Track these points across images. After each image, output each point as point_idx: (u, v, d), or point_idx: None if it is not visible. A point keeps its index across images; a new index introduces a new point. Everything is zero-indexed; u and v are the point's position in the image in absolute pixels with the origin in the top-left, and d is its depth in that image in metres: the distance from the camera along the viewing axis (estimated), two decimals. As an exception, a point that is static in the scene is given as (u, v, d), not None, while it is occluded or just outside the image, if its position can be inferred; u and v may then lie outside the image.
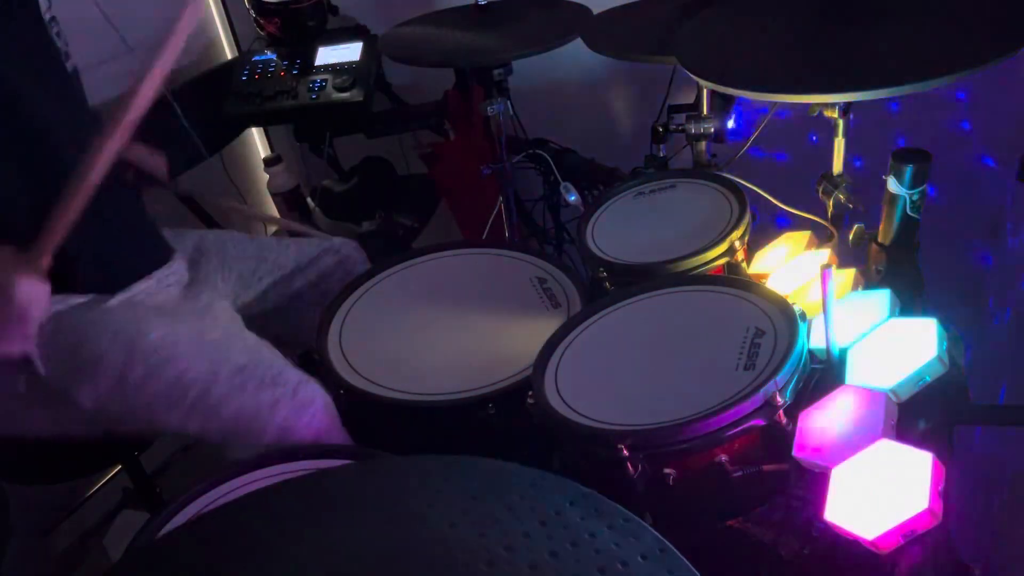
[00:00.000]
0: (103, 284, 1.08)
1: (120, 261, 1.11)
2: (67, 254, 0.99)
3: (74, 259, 1.02)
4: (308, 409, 1.02)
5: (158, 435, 1.26)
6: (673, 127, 1.52)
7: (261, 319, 1.31)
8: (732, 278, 1.06)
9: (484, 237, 1.80)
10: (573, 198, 1.61)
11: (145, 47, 1.17)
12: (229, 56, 2.23)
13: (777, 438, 0.85)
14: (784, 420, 0.84)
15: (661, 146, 1.56)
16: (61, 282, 1.02)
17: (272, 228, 2.12)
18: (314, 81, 1.82)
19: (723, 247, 1.11)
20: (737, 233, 1.12)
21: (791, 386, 0.86)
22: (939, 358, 0.83)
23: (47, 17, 1.01)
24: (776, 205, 1.33)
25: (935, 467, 0.72)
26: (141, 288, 1.11)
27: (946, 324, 0.88)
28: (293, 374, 1.05)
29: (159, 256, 1.17)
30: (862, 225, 1.19)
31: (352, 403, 1.05)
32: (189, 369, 1.01)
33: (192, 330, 1.07)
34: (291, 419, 1.00)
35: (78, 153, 0.97)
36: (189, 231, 1.32)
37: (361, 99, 1.77)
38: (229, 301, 1.24)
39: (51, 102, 0.99)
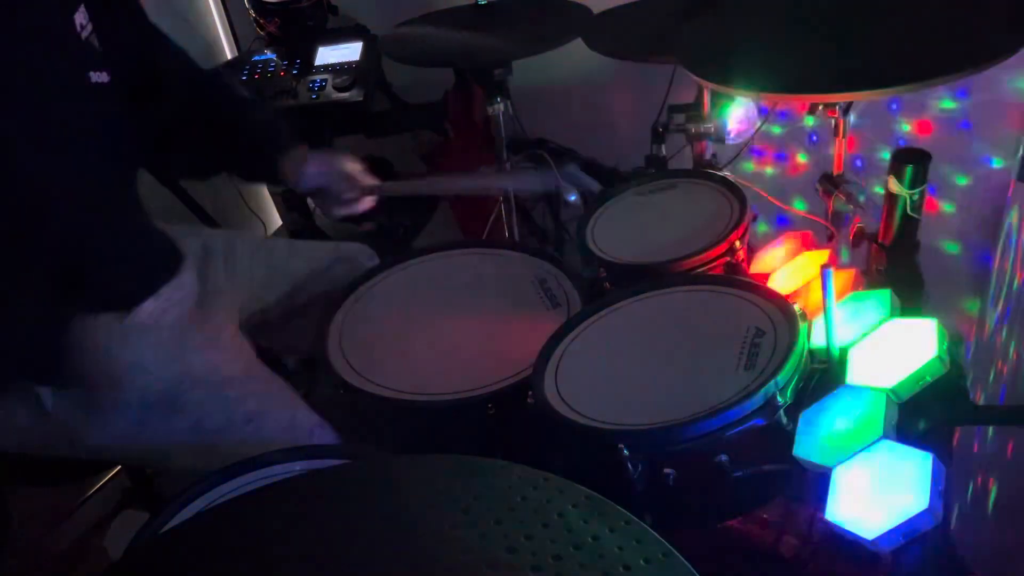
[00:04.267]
0: (111, 302, 1.04)
1: (128, 275, 1.06)
2: (73, 269, 0.97)
3: (81, 274, 0.97)
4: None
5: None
6: (673, 127, 1.52)
7: (265, 328, 1.30)
8: (732, 278, 1.06)
9: (484, 237, 1.80)
10: (573, 198, 1.61)
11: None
12: (229, 56, 2.23)
13: (777, 438, 0.85)
14: (784, 420, 0.84)
15: (661, 146, 1.57)
16: (67, 301, 0.99)
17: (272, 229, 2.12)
18: (314, 81, 1.82)
19: (723, 247, 1.11)
20: (737, 233, 1.12)
21: (791, 386, 0.86)
22: (939, 358, 0.83)
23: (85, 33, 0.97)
24: (776, 205, 1.33)
25: (935, 467, 0.72)
26: (150, 310, 1.06)
27: (946, 324, 0.88)
28: (306, 418, 1.05)
29: (168, 268, 1.12)
30: (862, 225, 1.19)
31: (352, 403, 1.05)
32: (205, 417, 1.01)
33: (206, 367, 1.05)
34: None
35: (103, 161, 0.97)
36: (197, 230, 1.30)
37: (361, 99, 1.77)
38: (236, 316, 1.23)
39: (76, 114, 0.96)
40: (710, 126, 1.46)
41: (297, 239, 1.70)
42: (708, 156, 1.52)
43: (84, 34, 0.96)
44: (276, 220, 2.26)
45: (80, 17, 0.96)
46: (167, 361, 1.03)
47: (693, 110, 1.48)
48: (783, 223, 1.80)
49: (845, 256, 1.41)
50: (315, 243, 1.40)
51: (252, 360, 1.14)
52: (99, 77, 0.98)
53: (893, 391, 0.83)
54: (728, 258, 1.12)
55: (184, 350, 1.05)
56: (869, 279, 1.15)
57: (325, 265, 1.34)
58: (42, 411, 1.00)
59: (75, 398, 1.00)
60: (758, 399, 0.83)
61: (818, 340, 0.92)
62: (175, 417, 1.01)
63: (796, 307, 0.94)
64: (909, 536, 0.71)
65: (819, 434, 0.82)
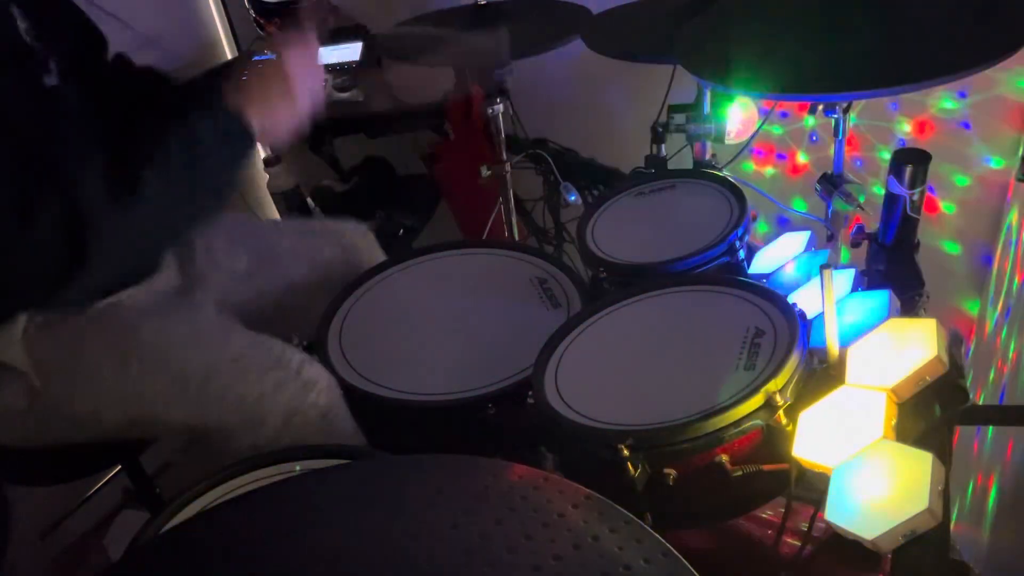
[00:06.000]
0: (91, 296, 1.04)
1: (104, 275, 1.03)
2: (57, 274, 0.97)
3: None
4: (313, 389, 1.01)
5: (159, 437, 1.24)
6: (673, 127, 1.52)
7: (261, 318, 1.29)
8: (732, 278, 1.06)
9: (484, 237, 1.80)
10: (573, 198, 1.61)
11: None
12: (229, 56, 2.23)
13: (777, 438, 0.85)
14: (784, 420, 0.84)
15: (661, 146, 1.57)
16: (47, 299, 0.99)
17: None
18: (314, 81, 1.82)
19: (723, 247, 1.11)
20: (737, 233, 1.12)
21: (791, 386, 0.86)
22: (939, 358, 0.83)
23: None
24: (776, 205, 1.33)
25: (935, 467, 0.72)
26: (128, 294, 1.07)
27: (946, 324, 0.88)
28: (295, 355, 1.03)
29: (147, 267, 1.12)
30: (862, 225, 1.19)
31: (352, 403, 1.05)
32: (187, 362, 1.00)
33: (185, 324, 1.05)
34: (296, 399, 0.99)
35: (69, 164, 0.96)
36: None
37: (361, 99, 1.77)
38: (221, 299, 1.22)
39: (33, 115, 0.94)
40: (710, 126, 1.46)
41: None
42: (708, 156, 1.52)
43: (29, 38, 0.95)
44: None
45: (20, 21, 0.95)
46: (144, 321, 1.03)
47: (693, 110, 1.49)
48: (783, 223, 1.80)
49: (845, 256, 1.41)
50: (300, 222, 1.36)
51: (235, 327, 1.13)
52: (51, 80, 0.97)
53: (893, 391, 0.83)
54: (728, 258, 1.12)
55: (163, 316, 1.05)
56: (869, 279, 1.15)
57: (313, 246, 1.32)
58: (33, 391, 1.00)
59: (60, 373, 1.00)
60: (758, 399, 0.83)
61: (818, 340, 0.92)
62: (156, 368, 1.00)
63: (796, 307, 0.94)
64: (909, 536, 0.71)
65: (819, 435, 0.82)
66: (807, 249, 1.17)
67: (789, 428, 0.84)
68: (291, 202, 2.05)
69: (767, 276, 1.13)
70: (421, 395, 1.02)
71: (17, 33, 0.94)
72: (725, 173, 1.31)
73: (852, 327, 0.94)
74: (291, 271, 1.29)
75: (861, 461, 0.76)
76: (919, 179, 1.06)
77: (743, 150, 1.53)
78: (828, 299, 0.85)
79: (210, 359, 1.01)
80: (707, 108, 1.46)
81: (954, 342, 0.87)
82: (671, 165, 1.59)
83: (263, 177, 2.08)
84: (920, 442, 0.76)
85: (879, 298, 0.97)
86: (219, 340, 1.04)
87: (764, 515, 1.05)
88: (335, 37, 1.92)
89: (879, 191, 1.13)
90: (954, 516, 0.78)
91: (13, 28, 0.93)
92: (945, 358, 0.83)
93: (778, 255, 1.18)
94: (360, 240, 1.37)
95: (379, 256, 1.38)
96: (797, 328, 0.90)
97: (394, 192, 2.08)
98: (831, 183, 1.23)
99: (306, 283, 1.30)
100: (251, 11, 1.92)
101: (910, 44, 1.01)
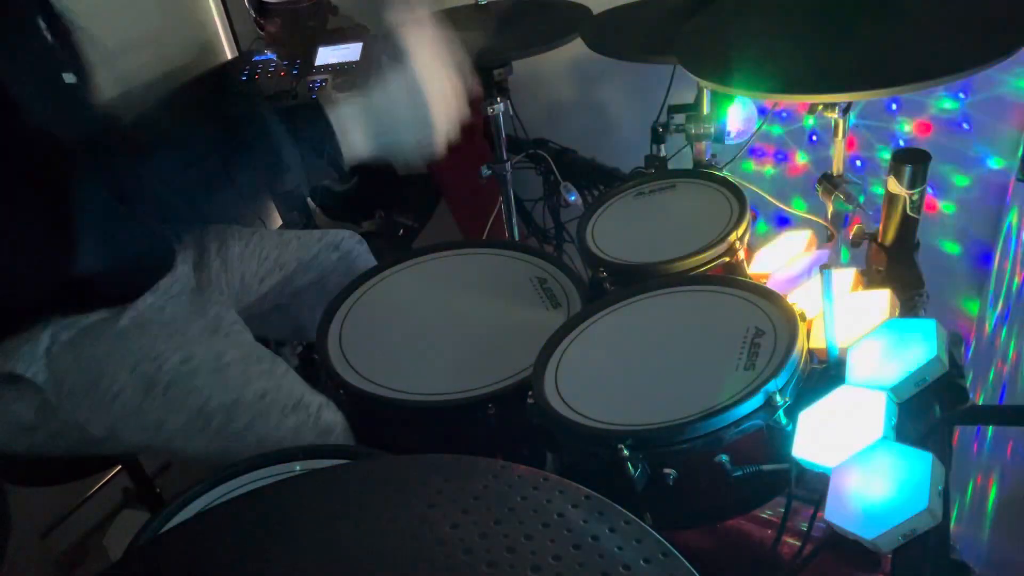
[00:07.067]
0: (114, 298, 1.06)
1: (131, 272, 1.08)
2: (81, 273, 0.98)
3: (88, 277, 0.99)
4: (331, 434, 1.02)
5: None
6: (673, 127, 1.52)
7: (261, 318, 1.30)
8: (732, 278, 1.06)
9: (484, 237, 1.80)
10: (573, 198, 1.61)
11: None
12: (229, 56, 2.23)
13: (777, 438, 0.85)
14: (784, 420, 0.84)
15: (661, 146, 1.57)
16: (72, 303, 1.01)
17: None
18: (314, 81, 1.82)
19: (723, 247, 1.11)
20: (737, 233, 1.12)
21: (791, 386, 0.86)
22: (939, 358, 0.83)
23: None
24: (776, 205, 1.33)
25: (935, 467, 0.72)
26: (149, 303, 1.08)
27: (946, 324, 0.88)
28: (314, 398, 1.05)
29: (165, 262, 1.14)
30: (862, 225, 1.19)
31: (352, 403, 1.05)
32: (211, 399, 1.01)
33: (208, 353, 1.05)
34: (314, 444, 1.00)
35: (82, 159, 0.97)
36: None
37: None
38: (232, 306, 1.23)
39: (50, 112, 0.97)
40: (710, 126, 1.46)
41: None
42: (708, 156, 1.52)
43: (49, 36, 0.97)
44: (276, 220, 2.26)
45: (42, 21, 0.96)
46: (169, 350, 1.03)
47: (693, 110, 1.49)
48: (783, 223, 1.80)
49: (845, 256, 1.41)
50: (302, 232, 1.40)
51: (253, 344, 1.14)
52: (70, 78, 0.98)
53: (893, 391, 0.83)
54: (728, 258, 1.12)
55: (186, 339, 1.05)
56: (869, 279, 1.15)
57: (315, 253, 1.35)
58: (48, 409, 1.00)
59: (79, 394, 1.00)
60: (758, 399, 0.83)
61: (818, 340, 0.92)
62: (179, 401, 1.01)
63: (796, 307, 0.94)
64: (909, 536, 0.71)
65: (819, 434, 0.82)
66: (807, 249, 1.17)
67: (789, 428, 0.84)
68: (291, 202, 2.05)
69: (767, 276, 1.13)
70: (421, 395, 1.01)
71: (38, 28, 0.95)
72: (725, 173, 1.31)
73: (852, 327, 0.94)
74: (295, 278, 1.33)
75: (861, 461, 0.76)
76: (919, 179, 1.06)
77: (743, 150, 1.53)
78: (828, 299, 0.85)
79: (234, 396, 1.02)
80: (707, 108, 1.46)
81: (954, 342, 0.87)
82: (671, 165, 1.59)
83: (263, 177, 2.08)
84: (920, 442, 0.76)
85: (879, 298, 0.97)
86: (242, 375, 1.05)
87: (764, 515, 1.05)
88: (335, 37, 1.92)
89: (879, 191, 1.13)
90: (954, 516, 0.78)
91: (35, 23, 0.95)
92: (945, 358, 0.83)
93: (778, 255, 1.18)
94: (356, 246, 1.40)
95: (371, 262, 1.40)
96: (797, 328, 0.90)
97: (394, 192, 2.08)
98: (831, 183, 1.23)
99: (307, 288, 1.33)
100: (251, 11, 1.92)
101: (910, 44, 1.01)
